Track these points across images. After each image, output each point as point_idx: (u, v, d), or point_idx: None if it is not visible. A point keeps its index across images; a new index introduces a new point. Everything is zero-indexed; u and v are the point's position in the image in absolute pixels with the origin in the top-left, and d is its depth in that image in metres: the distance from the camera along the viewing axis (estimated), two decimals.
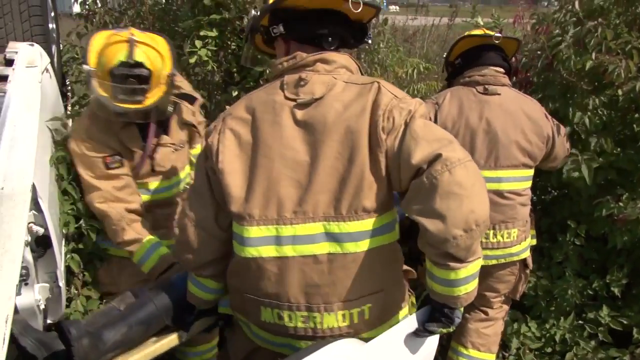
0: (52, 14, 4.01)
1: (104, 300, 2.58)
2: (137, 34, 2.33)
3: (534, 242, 2.98)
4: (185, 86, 2.74)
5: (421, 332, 1.68)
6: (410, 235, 1.79)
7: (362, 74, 1.84)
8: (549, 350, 3.12)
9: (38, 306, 2.09)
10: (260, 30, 1.88)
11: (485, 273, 2.78)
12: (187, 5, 3.52)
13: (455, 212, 1.49)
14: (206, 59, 3.18)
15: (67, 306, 2.55)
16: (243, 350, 1.98)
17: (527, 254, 2.86)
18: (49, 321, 2.30)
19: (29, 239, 1.97)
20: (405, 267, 1.87)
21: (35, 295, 2.07)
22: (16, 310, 1.89)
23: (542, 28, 3.33)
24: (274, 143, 1.69)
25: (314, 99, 1.69)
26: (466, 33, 3.04)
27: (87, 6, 3.95)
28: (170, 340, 2.15)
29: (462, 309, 1.71)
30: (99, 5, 3.98)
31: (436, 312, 1.69)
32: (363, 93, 1.68)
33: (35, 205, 2.04)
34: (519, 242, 2.77)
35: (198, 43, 3.18)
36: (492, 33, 2.84)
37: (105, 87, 2.32)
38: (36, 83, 2.55)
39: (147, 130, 2.51)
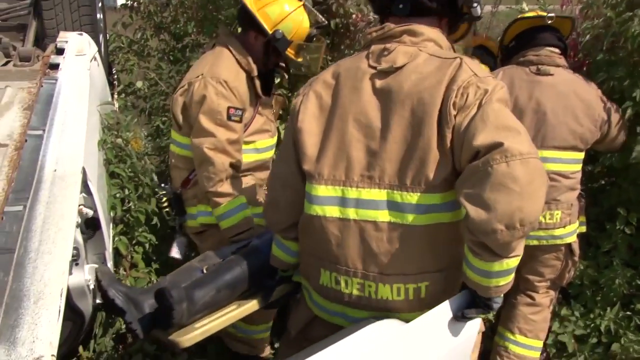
0: (100, 4, 4.11)
1: None
2: None
3: (583, 229, 2.92)
4: None
5: (460, 318, 1.66)
6: None
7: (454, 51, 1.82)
8: (594, 340, 3.05)
9: (88, 286, 2.16)
10: None
11: (529, 256, 2.75)
12: None
13: (502, 206, 1.43)
14: None
15: None
16: (302, 321, 1.99)
17: (572, 239, 2.80)
18: (97, 301, 2.38)
19: (79, 220, 2.03)
20: None
21: (85, 275, 2.14)
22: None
23: (591, 11, 3.22)
24: (350, 107, 1.73)
25: (394, 68, 1.70)
26: (519, 16, 3.00)
27: None
28: (252, 305, 2.16)
29: (501, 296, 1.68)
30: None
31: (475, 298, 1.66)
32: (443, 67, 1.65)
33: (85, 187, 2.10)
34: (563, 225, 2.73)
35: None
36: (544, 14, 2.80)
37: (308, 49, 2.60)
38: (85, 70, 2.63)
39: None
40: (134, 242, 2.74)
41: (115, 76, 4.04)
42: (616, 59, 3.04)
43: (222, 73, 2.45)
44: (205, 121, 2.41)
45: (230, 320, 2.13)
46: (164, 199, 2.67)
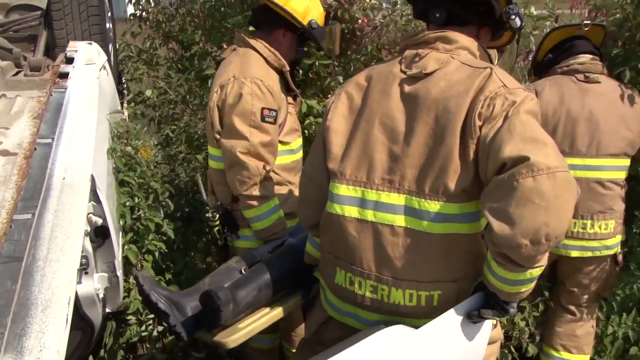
0: (109, 14, 4.13)
1: None
2: None
3: (623, 237, 2.88)
4: None
5: (475, 317, 1.64)
6: None
7: (491, 62, 1.80)
8: (613, 346, 2.99)
9: (97, 295, 2.15)
10: None
11: (575, 268, 2.75)
12: (237, 1, 3.55)
13: (527, 222, 1.41)
14: None
15: (126, 296, 2.62)
16: (316, 322, 2.00)
17: (618, 249, 2.77)
18: (107, 310, 2.37)
19: (89, 229, 2.03)
20: None
21: (95, 284, 2.13)
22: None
23: (601, 12, 3.20)
24: (378, 110, 1.75)
25: (423, 74, 1.70)
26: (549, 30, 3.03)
27: (140, 6, 4.05)
28: (293, 303, 2.21)
29: (517, 301, 1.66)
30: (152, 4, 4.07)
31: (491, 300, 1.64)
32: (472, 76, 1.65)
33: (94, 196, 2.10)
34: (615, 235, 2.71)
35: None
36: (579, 23, 2.84)
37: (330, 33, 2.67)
38: (94, 79, 2.63)
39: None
40: (143, 250, 2.73)
41: (125, 85, 4.06)
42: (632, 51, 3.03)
43: (255, 72, 2.44)
44: (238, 123, 2.38)
45: (273, 320, 2.16)
46: (217, 216, 2.59)
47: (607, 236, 2.68)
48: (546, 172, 1.41)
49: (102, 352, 2.60)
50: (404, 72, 1.74)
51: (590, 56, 2.76)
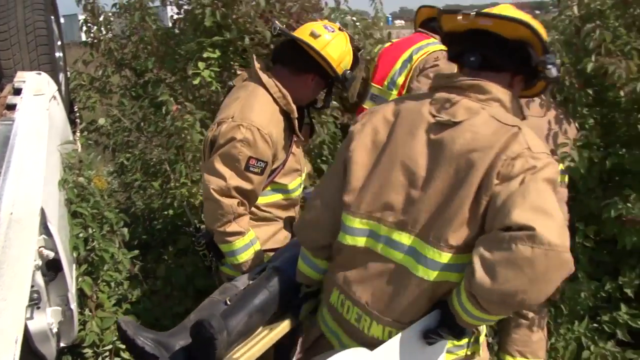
0: (59, 42, 4.10)
1: None
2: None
3: None
4: None
5: (432, 336, 1.68)
6: None
7: (522, 113, 1.79)
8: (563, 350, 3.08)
9: (51, 329, 2.11)
10: None
11: None
12: (190, 28, 3.58)
13: (509, 284, 1.43)
14: (210, 79, 3.23)
15: (82, 329, 2.58)
16: (311, 339, 2.03)
17: None
18: (62, 344, 2.32)
19: (40, 263, 2.00)
20: None
21: (48, 318, 2.10)
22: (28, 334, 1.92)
23: None
24: (402, 150, 1.74)
25: (452, 122, 1.68)
26: None
27: (92, 34, 4.03)
28: (284, 326, 2.14)
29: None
30: (104, 32, 4.06)
31: (450, 320, 1.67)
32: (499, 133, 1.62)
33: (45, 229, 2.07)
34: None
35: (201, 64, 3.22)
36: None
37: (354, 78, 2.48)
38: (44, 110, 2.61)
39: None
40: (99, 281, 2.70)
41: (77, 114, 4.02)
42: None
43: (255, 118, 2.30)
44: (219, 164, 2.29)
45: (267, 345, 2.10)
46: (202, 242, 2.52)
47: None
48: (546, 247, 1.40)
49: None
50: (433, 116, 1.72)
51: None
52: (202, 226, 2.62)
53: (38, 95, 2.69)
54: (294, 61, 2.44)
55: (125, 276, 2.95)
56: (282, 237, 2.58)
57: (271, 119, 2.36)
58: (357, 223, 1.78)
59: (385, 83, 3.49)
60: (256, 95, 2.37)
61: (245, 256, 2.41)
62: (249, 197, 2.37)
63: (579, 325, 3.08)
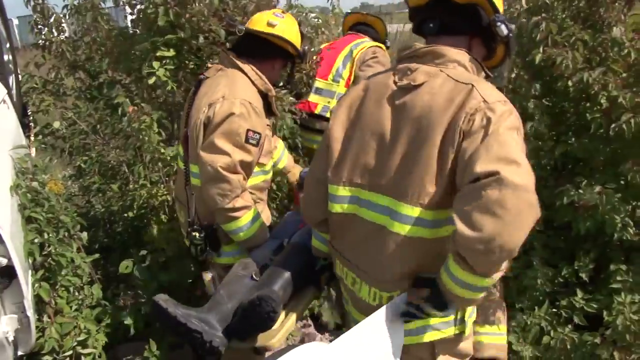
0: (8, 45, 3.99)
1: None
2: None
3: None
4: None
5: (413, 310, 1.79)
6: None
7: (486, 73, 1.90)
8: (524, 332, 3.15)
9: (7, 338, 2.08)
10: None
11: None
12: (144, 28, 3.52)
13: (485, 229, 1.50)
14: (165, 79, 3.20)
15: (40, 336, 2.53)
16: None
17: None
18: (20, 352, 2.28)
19: None
20: None
21: (3, 327, 2.06)
22: None
23: None
24: (371, 119, 1.89)
25: (412, 86, 1.81)
26: None
27: (43, 36, 3.93)
28: (310, 297, 2.37)
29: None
30: (55, 34, 3.96)
31: (437, 296, 1.75)
32: (455, 91, 1.73)
33: None
34: None
35: (156, 64, 3.19)
36: None
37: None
38: None
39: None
40: (57, 286, 2.65)
41: (31, 117, 3.91)
42: None
43: (244, 94, 2.51)
44: (221, 141, 2.42)
45: (299, 316, 2.34)
46: (199, 235, 2.58)
47: None
48: (512, 188, 1.49)
49: None
50: (396, 84, 1.86)
51: None
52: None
53: None
54: (259, 51, 2.67)
55: (86, 280, 2.91)
56: (266, 218, 2.73)
57: (255, 97, 2.58)
58: (340, 191, 1.94)
59: (330, 77, 3.86)
60: (237, 79, 2.58)
61: (254, 229, 2.54)
62: (249, 170, 2.56)
63: (538, 310, 3.16)
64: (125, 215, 3.66)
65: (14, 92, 3.65)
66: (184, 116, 2.71)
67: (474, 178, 1.57)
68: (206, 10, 3.21)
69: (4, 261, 2.04)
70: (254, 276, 2.28)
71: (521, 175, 1.53)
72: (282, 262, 2.29)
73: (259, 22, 2.66)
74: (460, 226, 1.55)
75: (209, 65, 2.88)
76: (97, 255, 3.07)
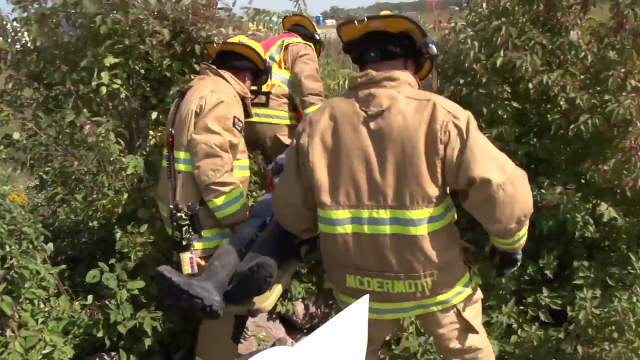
0: None
1: None
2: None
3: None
4: None
5: (501, 276, 2.40)
6: None
7: (419, 88, 2.19)
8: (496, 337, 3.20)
9: None
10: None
11: None
12: (89, 40, 3.45)
13: (509, 216, 1.99)
14: (116, 86, 3.18)
15: (3, 351, 2.46)
16: None
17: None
18: None
19: None
20: (463, 243, 2.27)
21: None
22: None
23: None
24: (353, 145, 2.10)
25: (381, 111, 2.06)
26: None
27: None
28: (294, 266, 2.77)
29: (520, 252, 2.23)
30: (11, 43, 3.81)
31: (506, 258, 2.24)
32: (420, 108, 2.03)
33: None
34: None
35: (104, 74, 3.17)
36: None
37: None
38: None
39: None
40: (21, 300, 2.58)
41: None
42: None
43: (228, 89, 2.88)
44: (213, 124, 2.71)
45: (286, 283, 2.70)
46: (185, 216, 2.73)
47: None
48: (507, 182, 1.95)
49: None
50: (365, 112, 2.09)
51: None
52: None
53: None
54: (234, 63, 3.05)
55: (52, 292, 2.85)
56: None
57: (237, 97, 2.93)
58: (340, 214, 2.13)
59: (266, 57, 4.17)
60: (221, 81, 2.93)
61: (238, 205, 2.77)
62: (235, 152, 2.84)
63: (505, 307, 3.20)
64: (91, 224, 3.59)
65: None
66: (170, 119, 2.93)
67: (471, 181, 1.95)
68: (145, 11, 3.22)
69: None
70: (242, 249, 2.53)
71: (504, 166, 1.97)
72: (267, 237, 2.54)
73: (234, 39, 3.12)
74: (492, 227, 2.04)
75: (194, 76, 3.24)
76: (63, 266, 3.01)
